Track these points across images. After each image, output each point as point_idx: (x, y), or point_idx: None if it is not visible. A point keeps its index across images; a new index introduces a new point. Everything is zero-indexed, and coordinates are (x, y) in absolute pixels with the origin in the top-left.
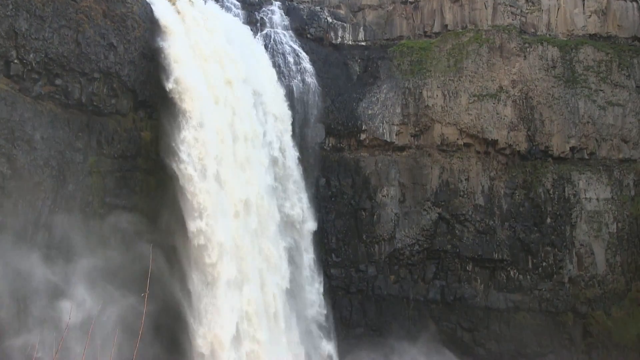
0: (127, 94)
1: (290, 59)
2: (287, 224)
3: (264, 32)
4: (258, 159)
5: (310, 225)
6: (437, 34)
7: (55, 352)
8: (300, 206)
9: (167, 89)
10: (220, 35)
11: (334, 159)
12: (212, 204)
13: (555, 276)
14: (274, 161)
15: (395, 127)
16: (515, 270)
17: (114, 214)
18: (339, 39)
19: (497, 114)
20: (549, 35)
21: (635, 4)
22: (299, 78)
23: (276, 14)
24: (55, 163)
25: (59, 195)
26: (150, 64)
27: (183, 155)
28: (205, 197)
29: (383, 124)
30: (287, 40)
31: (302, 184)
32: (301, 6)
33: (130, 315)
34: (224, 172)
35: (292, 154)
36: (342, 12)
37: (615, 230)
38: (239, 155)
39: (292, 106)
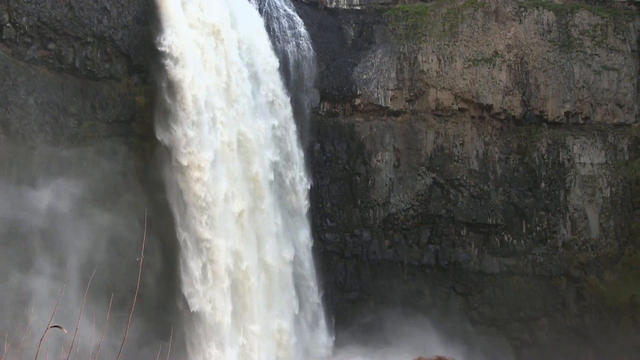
0: (121, 58)
1: (285, 24)
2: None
3: None
4: (253, 120)
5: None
6: None
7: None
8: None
9: (161, 54)
10: None
11: (329, 124)
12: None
13: (549, 241)
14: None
15: (390, 92)
16: (509, 235)
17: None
18: (334, 3)
19: (492, 78)
20: None
21: None
22: (294, 43)
23: None
24: (49, 128)
25: (53, 161)
26: (144, 28)
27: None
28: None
29: (378, 88)
30: (282, 5)
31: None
32: None
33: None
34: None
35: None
36: None
37: (609, 195)
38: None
39: (286, 71)
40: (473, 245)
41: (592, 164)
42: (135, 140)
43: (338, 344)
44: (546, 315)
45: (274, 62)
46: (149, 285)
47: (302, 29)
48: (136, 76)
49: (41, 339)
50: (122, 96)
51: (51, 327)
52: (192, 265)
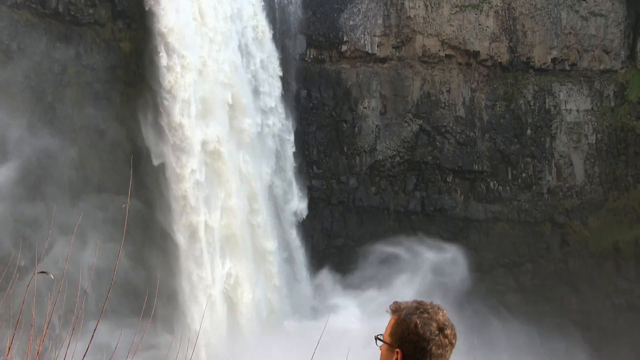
0: (105, 3)
1: None
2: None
3: None
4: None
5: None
6: None
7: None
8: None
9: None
10: None
11: (315, 71)
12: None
13: (534, 187)
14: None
15: (377, 39)
16: (495, 182)
17: (93, 125)
18: None
19: (479, 25)
20: None
21: None
22: None
23: None
24: (33, 74)
25: (38, 107)
26: None
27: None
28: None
29: (364, 35)
30: None
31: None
32: None
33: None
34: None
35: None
36: None
37: (594, 142)
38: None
39: (272, 17)
40: (459, 192)
41: (578, 111)
42: (121, 87)
43: (322, 288)
44: (530, 261)
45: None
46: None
47: None
48: (121, 22)
49: (27, 285)
50: (107, 42)
51: (38, 272)
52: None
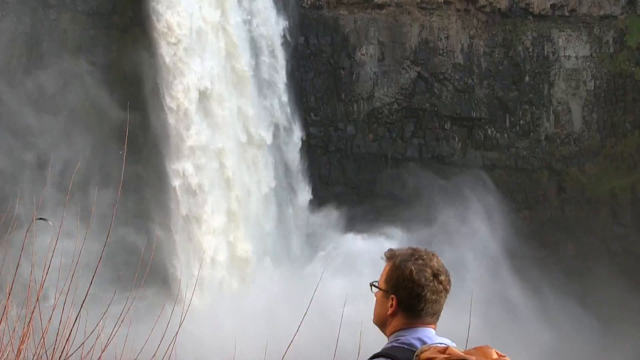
0: None
1: None
2: None
3: None
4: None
5: None
6: None
7: None
8: None
9: None
10: None
11: (313, 17)
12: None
13: (532, 134)
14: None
15: None
16: (492, 129)
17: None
18: None
19: None
20: None
21: None
22: None
23: None
24: (28, 19)
25: (34, 53)
26: None
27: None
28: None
29: None
30: None
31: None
32: None
33: None
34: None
35: None
36: None
37: (592, 88)
38: None
39: None
40: (457, 139)
41: (576, 57)
42: (117, 33)
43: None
44: (527, 208)
45: None
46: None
47: None
48: None
49: (27, 230)
50: None
51: (37, 219)
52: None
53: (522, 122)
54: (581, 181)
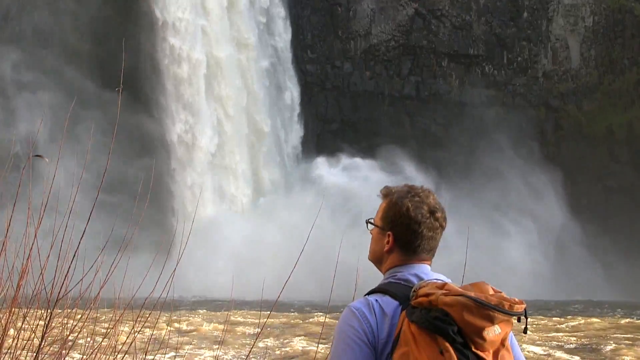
0: None
1: None
2: None
3: None
4: None
5: None
6: None
7: None
8: None
9: None
10: None
11: None
12: None
13: (529, 71)
14: None
15: None
16: (490, 66)
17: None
18: None
19: None
20: None
21: None
22: None
23: None
24: None
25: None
26: None
27: None
28: None
29: None
30: None
31: None
32: None
33: None
34: None
35: None
36: None
37: (591, 24)
38: None
39: None
40: (454, 76)
41: None
42: None
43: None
44: (524, 146)
45: None
46: None
47: None
48: None
49: (23, 168)
50: None
51: (33, 156)
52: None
53: (519, 58)
54: (578, 118)
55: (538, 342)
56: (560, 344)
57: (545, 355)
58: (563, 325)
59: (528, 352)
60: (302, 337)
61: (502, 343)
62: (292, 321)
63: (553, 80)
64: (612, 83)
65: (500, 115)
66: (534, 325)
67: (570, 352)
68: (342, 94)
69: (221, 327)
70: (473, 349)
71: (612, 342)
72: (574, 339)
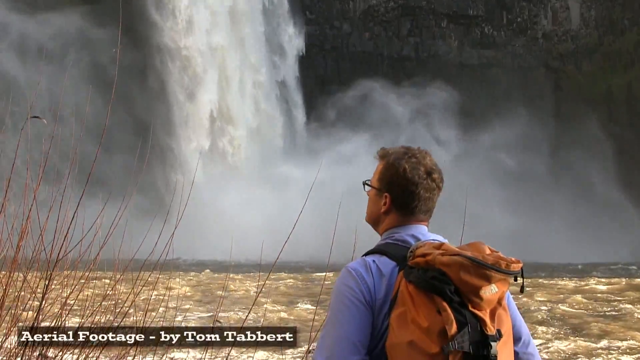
0: None
1: None
2: None
3: None
4: None
5: None
6: None
7: None
8: None
9: None
10: None
11: None
12: None
13: (529, 32)
14: None
15: None
16: (489, 27)
17: None
18: None
19: None
20: None
21: None
22: None
23: None
24: None
25: None
26: None
27: None
28: None
29: None
30: None
31: None
32: None
33: None
34: None
35: None
36: None
37: None
38: None
39: None
40: (453, 37)
41: None
42: None
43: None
44: (523, 106)
45: None
46: None
47: None
48: None
49: (22, 129)
50: None
51: (31, 117)
52: None
53: (519, 19)
54: (578, 79)
55: None
56: None
57: None
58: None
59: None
60: (301, 298)
61: (499, 302)
62: (290, 282)
63: (553, 41)
64: (612, 44)
65: (500, 76)
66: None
67: None
68: (341, 56)
69: (220, 288)
70: (470, 308)
71: None
72: None
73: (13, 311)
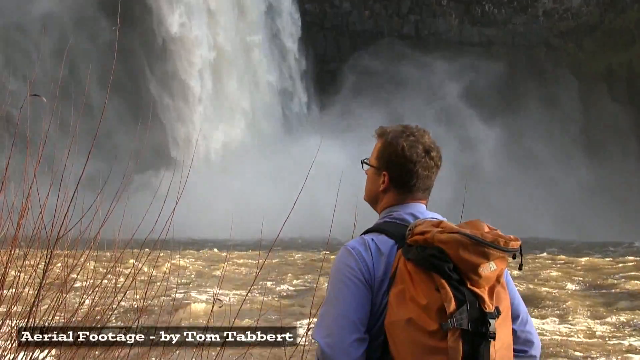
0: None
1: None
2: None
3: None
4: None
5: None
6: None
7: None
8: None
9: None
10: None
11: None
12: None
13: (530, 9)
14: None
15: None
16: (490, 5)
17: None
18: None
19: None
20: None
21: None
22: None
23: None
24: None
25: None
26: None
27: None
28: None
29: None
30: None
31: None
32: None
33: None
34: None
35: None
36: None
37: None
38: None
39: None
40: (454, 15)
41: None
42: None
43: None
44: (523, 84)
45: None
46: None
47: None
48: None
49: (21, 107)
50: None
51: (30, 95)
52: None
53: None
54: (579, 57)
55: None
56: None
57: None
58: None
59: None
60: (301, 275)
61: (498, 280)
62: (290, 259)
63: (553, 19)
64: (613, 21)
65: (500, 54)
66: None
67: None
68: (341, 34)
69: (221, 265)
70: (468, 286)
71: None
72: None
73: (15, 289)
